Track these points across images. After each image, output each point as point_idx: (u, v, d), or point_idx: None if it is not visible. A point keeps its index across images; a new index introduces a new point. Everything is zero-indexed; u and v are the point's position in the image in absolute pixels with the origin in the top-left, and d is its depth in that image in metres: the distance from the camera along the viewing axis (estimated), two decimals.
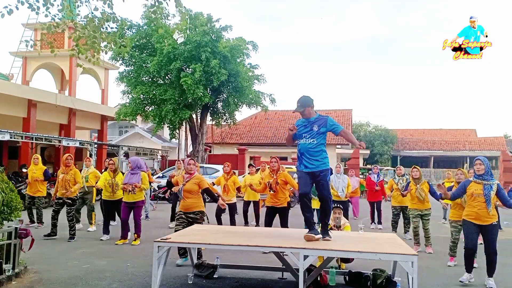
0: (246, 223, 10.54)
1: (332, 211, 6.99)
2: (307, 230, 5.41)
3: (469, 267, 5.94)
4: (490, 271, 5.83)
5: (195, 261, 6.22)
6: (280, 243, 5.07)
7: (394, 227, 9.84)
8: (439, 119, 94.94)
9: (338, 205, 7.16)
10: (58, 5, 6.69)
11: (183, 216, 6.61)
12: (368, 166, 32.90)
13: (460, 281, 5.89)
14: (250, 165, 11.29)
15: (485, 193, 5.72)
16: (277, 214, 7.87)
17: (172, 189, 7.86)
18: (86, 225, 10.24)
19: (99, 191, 10.67)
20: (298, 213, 8.98)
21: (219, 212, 9.43)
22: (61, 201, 8.75)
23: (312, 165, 5.32)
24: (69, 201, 8.76)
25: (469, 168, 7.39)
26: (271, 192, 7.80)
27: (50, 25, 6.84)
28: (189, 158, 7.08)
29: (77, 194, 9.03)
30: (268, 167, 8.25)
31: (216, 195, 7.10)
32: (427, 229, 8.21)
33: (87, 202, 10.30)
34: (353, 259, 6.51)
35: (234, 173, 12.33)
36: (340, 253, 5.08)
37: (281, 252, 5.48)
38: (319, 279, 5.58)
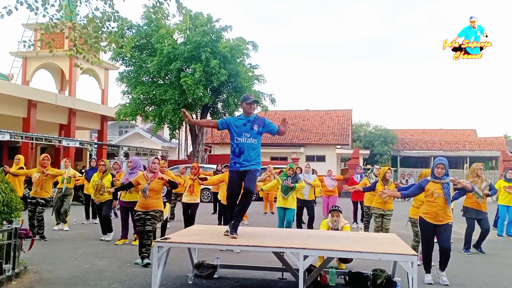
0: (220, 223, 10.62)
1: (330, 214, 7.01)
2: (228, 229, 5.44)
3: (428, 267, 5.99)
4: (443, 266, 5.93)
5: (195, 261, 6.22)
6: (280, 243, 5.08)
7: (367, 226, 9.91)
8: (439, 119, 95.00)
9: (337, 208, 7.14)
10: (57, 6, 6.69)
11: (143, 215, 6.67)
12: (369, 166, 32.92)
13: (427, 283, 5.87)
14: (226, 166, 11.40)
15: (445, 192, 5.80)
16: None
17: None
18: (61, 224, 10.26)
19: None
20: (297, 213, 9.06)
21: (185, 211, 9.53)
22: (35, 201, 8.69)
23: (250, 164, 5.35)
24: (42, 201, 8.70)
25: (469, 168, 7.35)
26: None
27: (48, 25, 6.84)
28: (155, 157, 7.16)
29: (51, 195, 8.98)
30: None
31: (174, 181, 7.04)
32: (387, 229, 8.18)
33: (65, 202, 10.26)
34: (352, 259, 6.51)
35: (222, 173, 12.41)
36: (340, 253, 5.08)
37: (281, 252, 5.48)
38: (319, 279, 5.58)
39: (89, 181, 10.93)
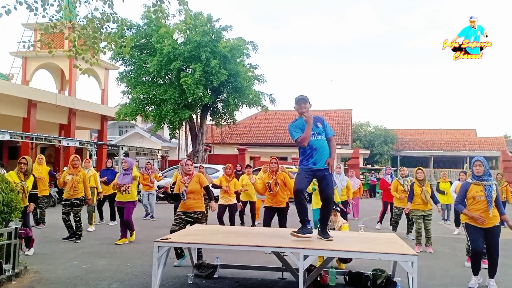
0: (242, 223, 10.58)
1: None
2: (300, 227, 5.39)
3: (476, 270, 5.88)
4: (492, 272, 5.80)
5: (195, 261, 6.22)
6: (280, 243, 5.07)
7: (395, 227, 9.88)
8: (439, 119, 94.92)
9: (335, 207, 7.14)
10: (56, 6, 6.68)
11: (183, 216, 6.56)
12: (369, 166, 32.90)
13: (470, 287, 5.80)
14: (248, 166, 11.37)
15: (486, 194, 5.66)
16: (276, 214, 7.88)
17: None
18: (86, 225, 10.24)
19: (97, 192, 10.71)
20: (295, 213, 9.04)
21: (220, 214, 9.55)
22: (69, 202, 8.71)
23: (321, 161, 5.28)
24: (77, 202, 8.74)
25: (469, 168, 7.29)
26: (270, 192, 7.79)
27: (48, 26, 6.84)
28: (187, 159, 7.06)
29: (84, 195, 9.01)
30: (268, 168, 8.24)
31: (212, 194, 7.05)
32: (428, 230, 8.24)
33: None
34: (351, 259, 6.51)
35: (241, 173, 12.29)
36: (340, 253, 5.08)
37: (281, 252, 5.48)
38: (319, 279, 5.58)
39: (103, 182, 10.96)
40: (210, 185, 10.75)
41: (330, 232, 6.30)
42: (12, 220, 5.98)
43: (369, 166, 33.12)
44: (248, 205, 10.65)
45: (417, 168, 8.58)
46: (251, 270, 6.32)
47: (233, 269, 6.33)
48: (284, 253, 5.45)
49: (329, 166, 5.31)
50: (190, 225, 6.52)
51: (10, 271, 5.59)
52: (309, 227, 5.38)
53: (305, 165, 5.36)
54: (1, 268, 5.51)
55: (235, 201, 9.83)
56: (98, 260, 6.93)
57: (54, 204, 15.29)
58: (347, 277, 5.90)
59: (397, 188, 9.71)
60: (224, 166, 10.53)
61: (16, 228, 5.90)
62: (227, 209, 9.67)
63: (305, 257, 4.81)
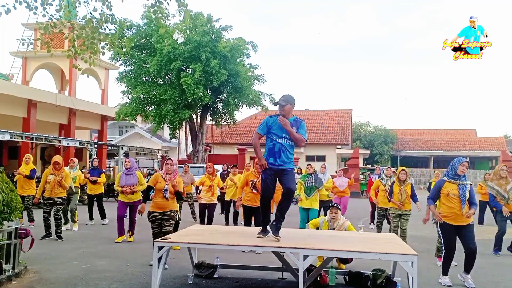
0: (227, 223, 10.58)
1: (328, 211, 7.00)
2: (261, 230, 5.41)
3: (447, 270, 5.93)
4: (470, 268, 5.85)
5: (195, 261, 6.22)
6: (280, 243, 5.07)
7: (379, 227, 9.69)
8: (439, 119, 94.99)
9: (335, 204, 7.13)
10: (56, 5, 6.69)
11: (159, 216, 6.58)
12: (369, 166, 32.90)
13: (448, 286, 5.80)
14: (234, 166, 11.48)
15: (460, 193, 5.74)
16: (254, 214, 7.86)
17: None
18: (70, 224, 10.26)
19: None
20: (297, 213, 9.03)
21: (201, 211, 9.68)
22: (51, 201, 8.71)
23: (285, 163, 5.30)
24: (59, 200, 8.74)
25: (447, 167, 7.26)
26: (254, 191, 7.71)
27: (47, 25, 6.83)
28: (168, 158, 7.09)
29: (66, 194, 9.01)
30: (252, 167, 8.20)
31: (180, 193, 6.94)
32: (404, 229, 8.18)
33: (71, 202, 10.28)
34: (351, 259, 6.50)
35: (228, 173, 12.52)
36: (340, 253, 5.08)
37: (281, 252, 5.48)
38: (319, 279, 5.58)
39: (90, 181, 11.00)
40: (194, 186, 10.89)
41: (333, 232, 6.31)
42: (12, 220, 5.98)
43: (369, 166, 33.11)
44: (232, 206, 10.66)
45: (401, 168, 8.57)
46: (251, 270, 6.32)
47: (233, 269, 6.33)
48: (284, 253, 5.44)
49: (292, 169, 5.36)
50: (165, 222, 6.54)
51: (10, 271, 5.59)
52: (269, 229, 5.37)
53: (268, 165, 5.34)
54: (1, 268, 5.51)
55: (216, 201, 9.85)
56: (98, 260, 6.93)
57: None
58: (347, 277, 5.90)
59: (378, 188, 9.62)
60: (224, 164, 10.62)
61: (16, 228, 5.90)
62: (206, 207, 9.72)
63: (305, 257, 4.81)
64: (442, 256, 6.03)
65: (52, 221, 8.81)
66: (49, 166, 9.10)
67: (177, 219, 7.01)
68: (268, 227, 5.37)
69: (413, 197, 8.23)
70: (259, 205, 7.46)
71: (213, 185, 9.63)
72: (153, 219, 6.60)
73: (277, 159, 5.29)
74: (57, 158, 9.06)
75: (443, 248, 5.97)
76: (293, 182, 5.42)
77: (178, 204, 6.98)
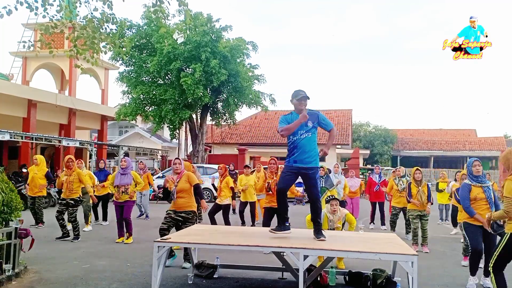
0: (243, 223, 10.56)
1: (329, 203, 7.01)
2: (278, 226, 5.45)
3: (474, 270, 5.86)
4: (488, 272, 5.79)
5: (195, 261, 6.22)
6: (280, 243, 5.07)
7: (393, 226, 9.85)
8: (439, 119, 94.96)
9: (334, 196, 7.16)
10: (57, 6, 6.68)
11: (172, 215, 6.56)
12: (369, 166, 32.89)
13: None
14: (246, 166, 11.35)
15: (487, 196, 5.73)
16: (276, 215, 7.87)
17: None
18: (82, 225, 10.24)
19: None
20: (297, 212, 9.04)
21: (212, 211, 9.50)
22: (65, 202, 8.76)
23: (306, 160, 5.27)
24: (72, 202, 8.77)
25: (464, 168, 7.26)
26: (269, 192, 7.77)
27: (48, 26, 6.84)
28: (175, 158, 7.05)
29: (80, 195, 9.02)
30: (265, 167, 8.24)
31: (201, 193, 6.91)
32: (425, 230, 8.23)
33: (84, 202, 10.30)
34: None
35: (234, 173, 12.41)
36: (340, 253, 5.08)
37: (281, 252, 5.48)
38: (319, 279, 5.58)
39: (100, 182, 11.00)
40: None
41: (333, 232, 6.31)
42: (12, 220, 5.99)
43: (369, 166, 33.10)
44: (248, 206, 10.63)
45: (415, 168, 8.55)
46: (251, 270, 6.32)
47: (233, 269, 6.33)
48: (284, 253, 5.45)
49: (320, 152, 5.34)
50: (181, 225, 6.50)
51: (10, 271, 5.60)
52: (287, 224, 5.44)
53: (287, 162, 5.37)
54: (1, 268, 5.51)
55: (227, 201, 9.68)
56: (98, 260, 6.93)
57: (54, 204, 15.30)
58: (347, 277, 5.90)
59: (392, 188, 9.70)
60: (230, 164, 10.55)
61: (16, 228, 5.90)
62: (220, 208, 9.62)
63: (305, 257, 4.81)
64: (469, 256, 5.97)
65: (66, 221, 8.85)
66: (49, 166, 9.14)
67: (196, 220, 6.94)
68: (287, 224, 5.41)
69: (429, 197, 8.24)
70: None
71: (222, 186, 9.61)
72: (166, 216, 6.60)
73: (298, 155, 5.25)
74: (68, 157, 9.13)
75: (470, 249, 5.90)
76: (317, 189, 5.40)
77: (196, 204, 6.82)
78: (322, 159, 6.03)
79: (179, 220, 6.55)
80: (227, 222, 9.59)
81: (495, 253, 4.54)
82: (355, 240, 5.63)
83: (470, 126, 73.78)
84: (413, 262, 4.59)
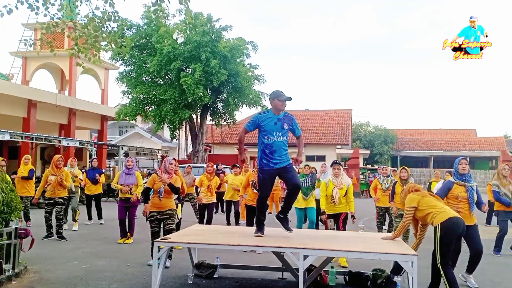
0: (229, 223, 10.57)
1: (332, 168, 7.14)
2: (256, 230, 5.52)
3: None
4: (472, 269, 5.84)
5: (195, 261, 6.22)
6: (280, 243, 5.07)
7: (380, 227, 9.61)
8: (439, 119, 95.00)
9: (337, 161, 7.20)
10: (58, 5, 6.68)
11: (158, 216, 6.56)
12: (369, 166, 32.89)
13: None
14: (234, 166, 11.39)
15: (469, 196, 5.76)
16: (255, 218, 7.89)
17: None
18: (71, 224, 10.26)
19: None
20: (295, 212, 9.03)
21: (201, 211, 9.67)
22: (52, 201, 8.73)
23: (282, 160, 5.37)
24: (61, 201, 8.75)
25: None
26: (255, 191, 7.73)
27: (49, 25, 6.83)
28: (172, 158, 7.07)
29: (67, 194, 9.02)
30: (251, 168, 8.27)
31: (175, 186, 6.76)
32: (407, 230, 8.12)
33: (72, 201, 10.30)
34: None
35: (221, 172, 12.57)
36: (340, 253, 5.08)
37: (281, 252, 5.48)
38: (319, 279, 5.58)
39: (91, 181, 11.00)
40: (194, 185, 10.83)
41: (333, 232, 6.32)
42: (12, 220, 5.98)
43: (369, 166, 33.11)
44: (232, 205, 10.66)
45: (401, 167, 8.49)
46: (251, 270, 6.32)
47: (233, 269, 6.33)
48: (284, 253, 5.45)
49: (293, 161, 5.46)
50: (166, 219, 6.52)
51: (10, 271, 5.59)
52: (262, 227, 5.51)
53: (267, 166, 5.39)
54: (1, 268, 5.50)
55: (214, 200, 9.86)
56: (98, 260, 6.93)
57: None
58: (347, 277, 5.90)
59: (376, 187, 9.55)
60: (218, 164, 10.61)
61: (16, 228, 5.90)
62: (206, 207, 9.69)
63: (305, 257, 4.81)
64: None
65: (54, 221, 8.80)
66: (49, 166, 9.12)
67: (177, 218, 7.00)
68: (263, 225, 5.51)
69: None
70: None
71: (211, 185, 9.63)
72: (152, 218, 6.59)
73: (276, 157, 5.33)
74: (59, 156, 9.10)
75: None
76: (297, 177, 5.48)
77: (177, 204, 6.95)
78: (323, 158, 6.08)
79: (164, 218, 6.57)
80: (209, 221, 9.65)
81: (435, 250, 4.74)
82: (355, 240, 5.63)
83: (470, 126, 73.81)
84: (413, 262, 4.59)
